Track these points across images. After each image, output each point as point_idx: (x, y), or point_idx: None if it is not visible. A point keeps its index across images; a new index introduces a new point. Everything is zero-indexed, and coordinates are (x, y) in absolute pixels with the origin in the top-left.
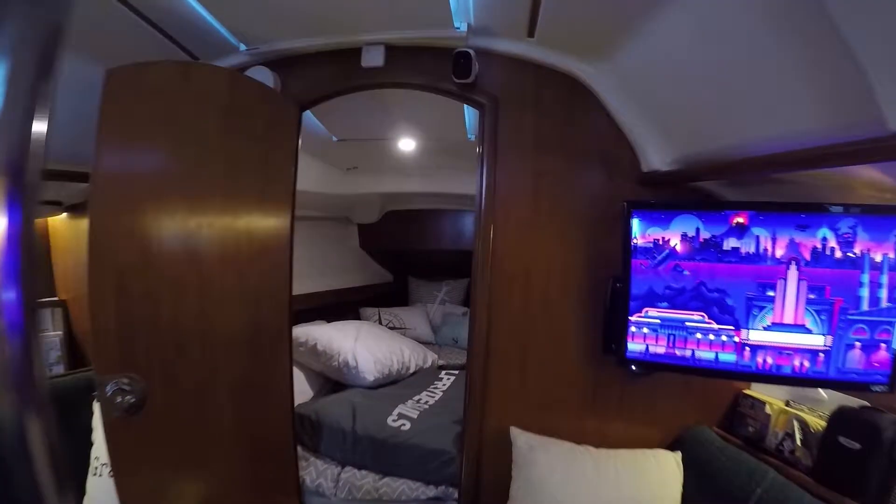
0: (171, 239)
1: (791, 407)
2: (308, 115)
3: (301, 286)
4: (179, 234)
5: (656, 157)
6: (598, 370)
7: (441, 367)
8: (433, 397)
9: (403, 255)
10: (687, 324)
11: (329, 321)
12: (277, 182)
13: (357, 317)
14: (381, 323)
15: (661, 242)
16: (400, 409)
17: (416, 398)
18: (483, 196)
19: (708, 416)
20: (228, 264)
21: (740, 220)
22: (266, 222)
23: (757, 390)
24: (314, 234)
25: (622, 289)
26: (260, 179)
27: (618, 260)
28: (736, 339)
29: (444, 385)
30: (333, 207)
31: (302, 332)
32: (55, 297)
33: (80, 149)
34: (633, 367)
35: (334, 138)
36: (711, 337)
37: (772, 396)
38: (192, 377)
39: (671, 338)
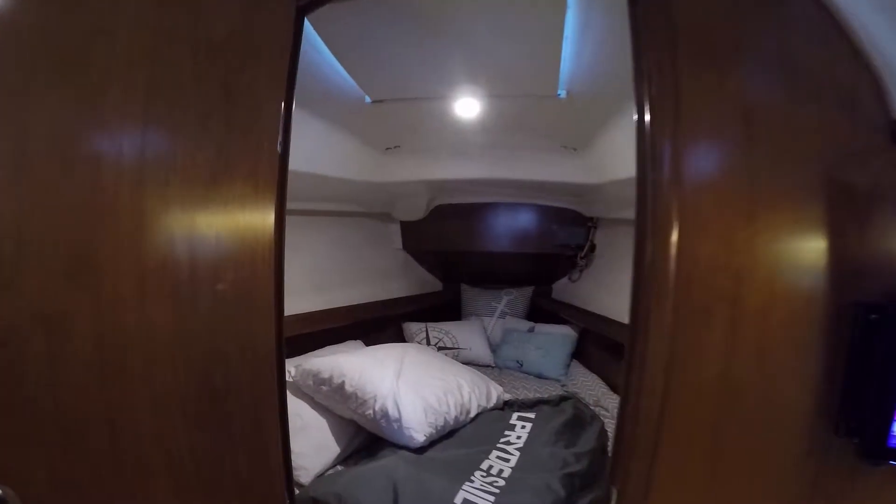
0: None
1: None
2: (331, 65)
3: (328, 299)
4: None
5: None
6: (820, 461)
7: (508, 405)
8: (508, 462)
9: (455, 259)
10: None
11: (366, 341)
12: (248, 135)
13: (400, 334)
14: (428, 343)
15: None
16: (466, 491)
17: (486, 466)
18: (655, 164)
19: None
20: (153, 291)
21: None
22: (228, 212)
23: None
24: (346, 233)
25: (886, 327)
26: (214, 129)
27: (875, 274)
28: None
29: (519, 437)
30: (370, 200)
31: (325, 363)
32: None
33: None
34: None
35: (368, 99)
36: None
37: None
38: (100, 480)
39: None
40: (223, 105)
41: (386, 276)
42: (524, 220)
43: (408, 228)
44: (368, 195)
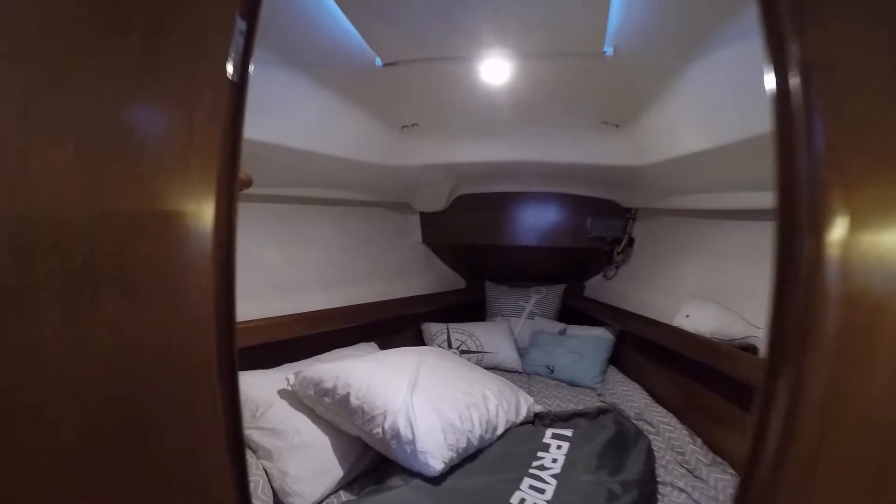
0: None
1: None
2: (335, 18)
3: (338, 297)
4: None
5: None
6: None
7: (539, 418)
8: (543, 494)
9: (480, 254)
10: None
11: (381, 343)
12: (172, 74)
13: (418, 336)
14: (450, 346)
15: None
16: None
17: (517, 500)
18: (808, 137)
19: None
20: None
21: None
22: (143, 175)
23: None
24: (360, 225)
25: None
26: (132, 45)
27: None
28: None
29: (554, 461)
30: (386, 188)
31: (328, 371)
32: None
33: None
34: None
35: (378, 61)
36: None
37: None
38: None
39: None
40: (147, 12)
41: (404, 273)
42: (555, 211)
43: (428, 220)
44: (384, 182)
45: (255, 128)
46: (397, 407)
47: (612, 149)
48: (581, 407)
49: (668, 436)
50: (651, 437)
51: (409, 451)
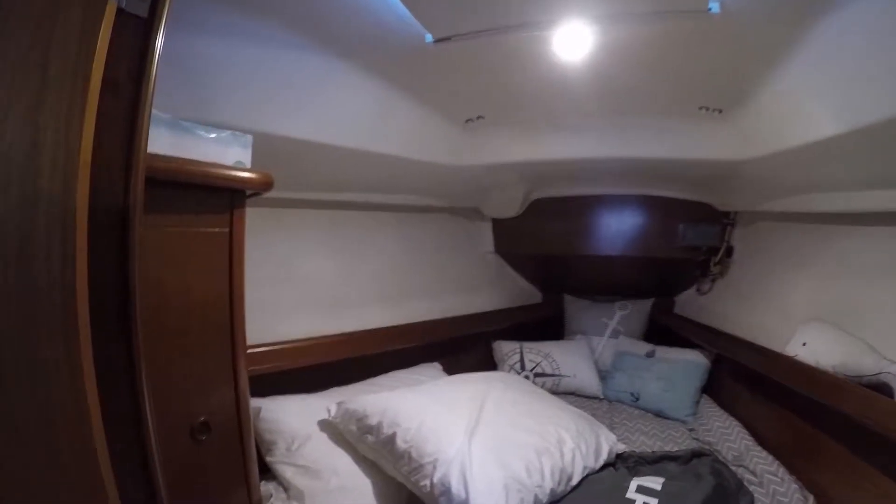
0: None
1: None
2: None
3: (399, 313)
4: None
5: None
6: None
7: (621, 459)
8: None
9: (558, 265)
10: None
11: (446, 364)
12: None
13: (488, 355)
14: (522, 368)
15: None
16: None
17: None
18: None
19: None
20: None
21: None
22: None
23: None
24: (425, 233)
25: None
26: None
27: None
28: None
29: None
30: (451, 192)
31: (375, 404)
32: None
33: None
34: None
35: (429, 37)
36: None
37: None
38: None
39: None
40: None
41: (474, 286)
42: (642, 216)
43: (501, 227)
44: (449, 184)
45: (293, 123)
46: (451, 455)
47: (712, 140)
48: (671, 447)
49: (772, 489)
50: (752, 488)
51: None
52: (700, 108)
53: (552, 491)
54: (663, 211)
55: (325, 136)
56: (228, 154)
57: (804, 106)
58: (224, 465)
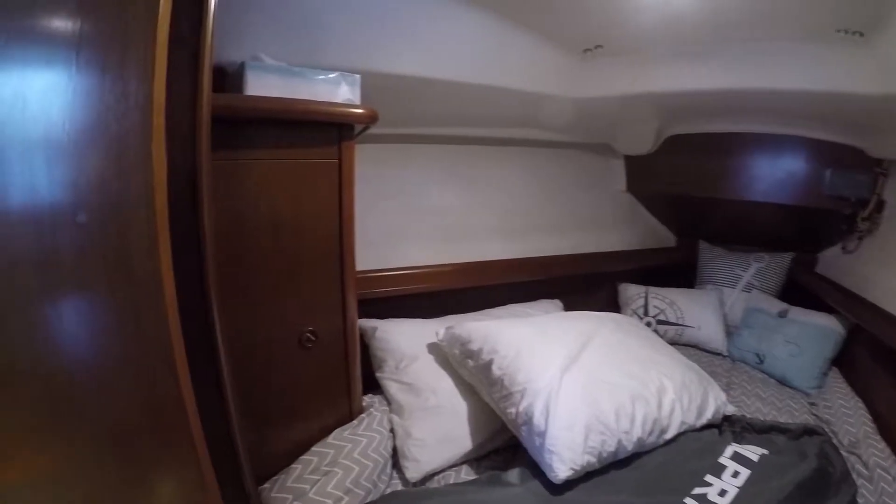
0: None
1: None
2: None
3: (520, 247)
4: None
5: None
6: None
7: (728, 422)
8: None
9: (695, 208)
10: None
11: (567, 302)
12: None
13: (613, 297)
14: (646, 313)
15: None
16: None
17: None
18: None
19: None
20: None
21: None
22: None
23: None
24: (552, 169)
25: None
26: None
27: None
28: None
29: (723, 493)
30: (576, 126)
31: (478, 330)
32: None
33: None
34: None
35: None
36: None
37: None
38: None
39: None
40: None
41: (602, 224)
42: (786, 159)
43: (634, 165)
44: (573, 119)
45: (405, 60)
46: (539, 386)
47: (852, 70)
48: (785, 418)
49: (881, 487)
50: (860, 481)
51: (537, 443)
52: (837, 31)
53: (640, 440)
54: (810, 154)
55: (437, 71)
56: (338, 93)
57: None
58: (329, 372)
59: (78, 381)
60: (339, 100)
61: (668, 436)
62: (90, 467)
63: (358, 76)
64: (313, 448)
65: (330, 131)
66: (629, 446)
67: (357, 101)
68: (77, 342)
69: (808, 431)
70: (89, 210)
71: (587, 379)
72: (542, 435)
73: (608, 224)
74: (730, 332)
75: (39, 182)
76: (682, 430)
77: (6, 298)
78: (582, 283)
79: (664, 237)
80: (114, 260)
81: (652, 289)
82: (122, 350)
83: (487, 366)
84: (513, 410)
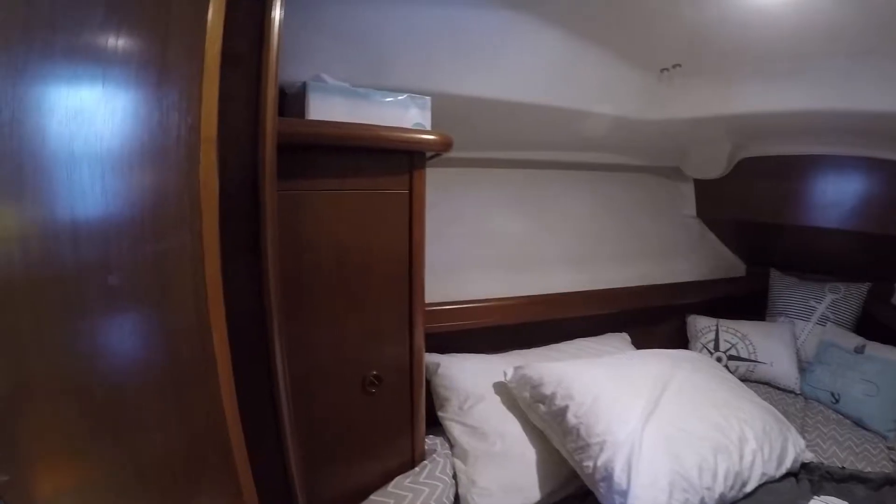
0: None
1: None
2: None
3: (586, 278)
4: None
5: None
6: None
7: (806, 470)
8: None
9: (766, 234)
10: None
11: (634, 336)
12: None
13: (681, 330)
14: (716, 348)
15: None
16: None
17: None
18: None
19: None
20: None
21: None
22: None
23: None
24: (618, 193)
25: None
26: None
27: None
28: None
29: None
30: (647, 149)
31: (551, 373)
32: None
33: None
34: None
35: None
36: None
37: None
38: None
39: None
40: None
41: (671, 252)
42: (864, 183)
43: (704, 189)
44: (645, 141)
45: (473, 82)
46: (620, 439)
47: None
48: (863, 465)
49: None
50: None
51: (617, 502)
52: None
53: (722, 496)
54: (890, 178)
55: (507, 92)
56: (407, 117)
57: None
58: (392, 417)
59: (120, 402)
60: (408, 124)
61: (748, 489)
62: (131, 490)
63: (428, 98)
64: (372, 497)
65: (401, 159)
66: (711, 503)
67: (427, 125)
68: (122, 362)
69: (891, 481)
70: (140, 228)
71: (669, 429)
72: (624, 494)
73: (677, 251)
74: (802, 367)
75: (94, 197)
76: (761, 481)
77: (53, 311)
78: (650, 316)
79: (734, 265)
80: (160, 282)
81: (723, 321)
82: (168, 373)
83: (562, 412)
84: (590, 464)
